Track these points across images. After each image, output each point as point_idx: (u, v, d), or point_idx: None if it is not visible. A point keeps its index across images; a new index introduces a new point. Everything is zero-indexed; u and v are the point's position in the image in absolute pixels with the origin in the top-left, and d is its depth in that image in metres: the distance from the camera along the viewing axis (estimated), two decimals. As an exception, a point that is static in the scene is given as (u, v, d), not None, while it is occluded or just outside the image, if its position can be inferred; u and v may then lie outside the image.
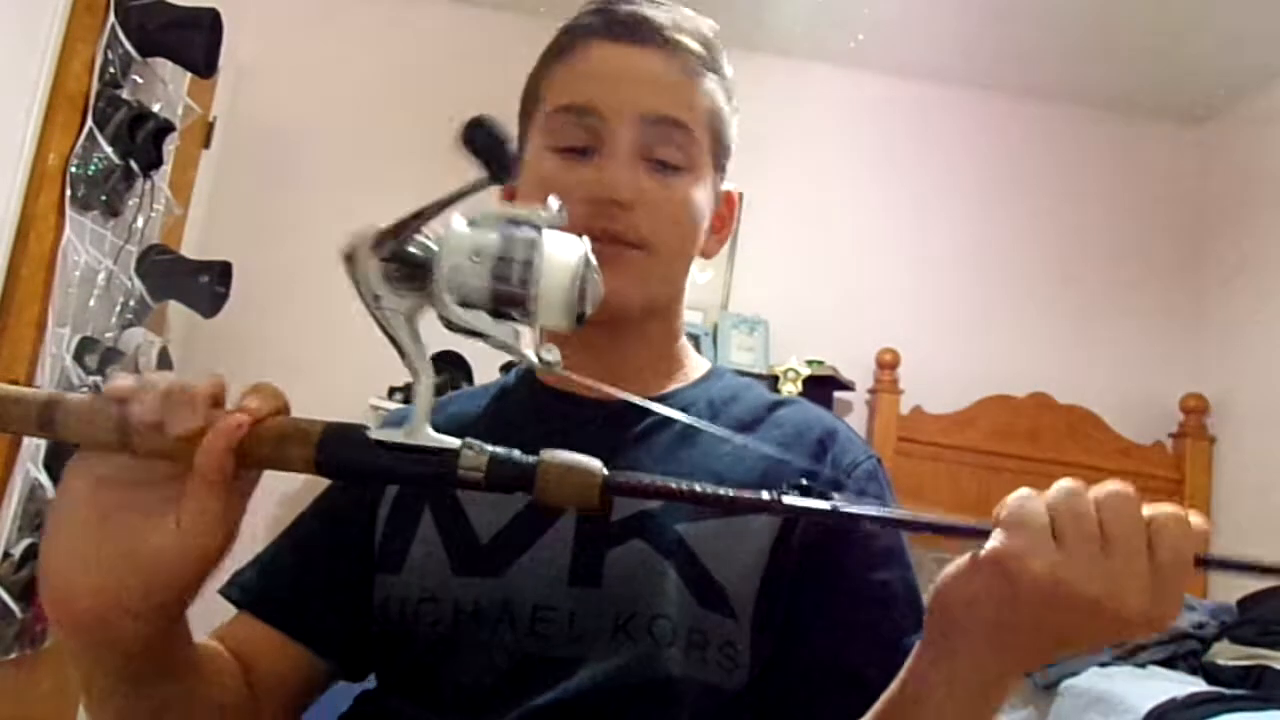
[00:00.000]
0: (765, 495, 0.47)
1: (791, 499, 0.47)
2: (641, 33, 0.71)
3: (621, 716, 0.62)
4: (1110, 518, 0.44)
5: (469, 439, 0.48)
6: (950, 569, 0.50)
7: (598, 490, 0.46)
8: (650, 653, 0.62)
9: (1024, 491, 0.46)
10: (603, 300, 0.62)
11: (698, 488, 0.47)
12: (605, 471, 0.46)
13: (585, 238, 0.48)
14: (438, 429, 0.47)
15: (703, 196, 0.74)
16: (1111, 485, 0.45)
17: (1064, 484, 0.45)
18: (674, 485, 0.47)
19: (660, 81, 0.71)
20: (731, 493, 0.47)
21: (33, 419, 0.48)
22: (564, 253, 0.47)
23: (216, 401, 0.48)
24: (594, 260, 0.48)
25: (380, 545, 0.72)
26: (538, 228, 0.47)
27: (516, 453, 0.47)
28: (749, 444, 0.71)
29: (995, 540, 0.45)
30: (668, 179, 0.72)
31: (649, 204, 0.70)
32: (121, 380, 0.48)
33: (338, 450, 0.48)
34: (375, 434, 0.48)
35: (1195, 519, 0.45)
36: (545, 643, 0.58)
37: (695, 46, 0.73)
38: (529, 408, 0.77)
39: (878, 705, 0.57)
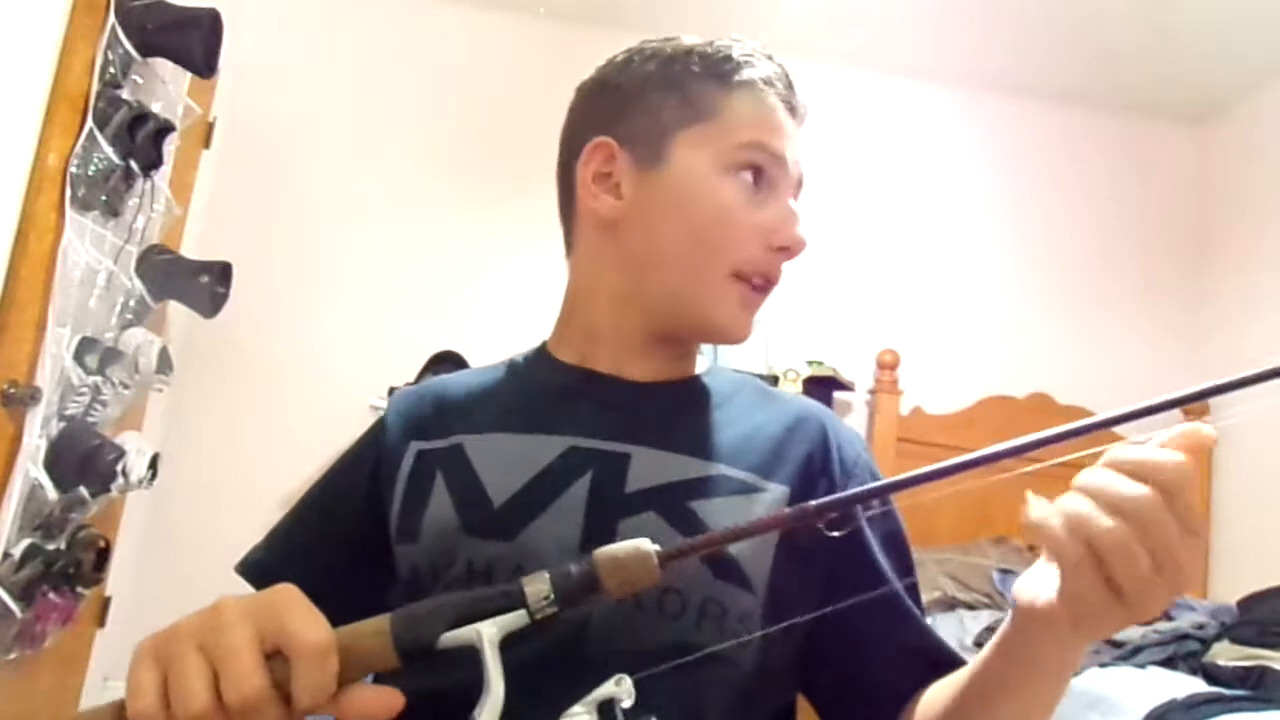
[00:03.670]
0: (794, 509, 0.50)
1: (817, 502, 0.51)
2: (800, 118, 0.82)
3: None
4: (1156, 545, 0.45)
5: (523, 580, 0.48)
6: (1024, 596, 0.52)
7: (656, 563, 0.48)
8: (653, 621, 0.65)
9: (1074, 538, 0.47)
10: (726, 334, 0.77)
11: (735, 525, 0.50)
12: (656, 547, 0.49)
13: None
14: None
15: None
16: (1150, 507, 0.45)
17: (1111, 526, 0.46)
18: (717, 533, 0.50)
19: (799, 162, 0.80)
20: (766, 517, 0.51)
21: None
22: None
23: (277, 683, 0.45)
24: None
25: (398, 518, 0.75)
26: None
27: (570, 567, 0.48)
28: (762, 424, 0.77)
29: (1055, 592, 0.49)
30: None
31: None
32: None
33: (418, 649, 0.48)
34: (445, 641, 0.48)
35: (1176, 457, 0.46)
36: None
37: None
38: (560, 384, 0.80)
39: (956, 694, 0.62)
